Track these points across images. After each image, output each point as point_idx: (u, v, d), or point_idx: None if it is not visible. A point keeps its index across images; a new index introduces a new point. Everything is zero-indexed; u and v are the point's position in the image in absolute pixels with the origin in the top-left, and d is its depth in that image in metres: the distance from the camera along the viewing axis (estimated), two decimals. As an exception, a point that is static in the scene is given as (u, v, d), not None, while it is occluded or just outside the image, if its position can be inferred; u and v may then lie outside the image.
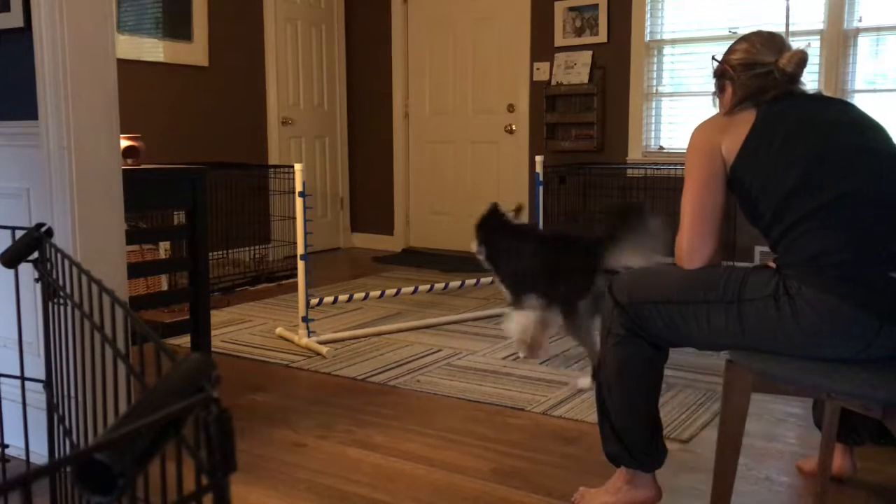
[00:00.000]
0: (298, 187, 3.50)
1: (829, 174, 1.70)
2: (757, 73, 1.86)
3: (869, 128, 1.80)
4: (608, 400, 1.93)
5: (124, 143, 2.74)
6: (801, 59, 1.85)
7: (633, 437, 1.90)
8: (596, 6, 5.54)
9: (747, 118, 1.81)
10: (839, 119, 1.80)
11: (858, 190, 1.68)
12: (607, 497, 1.98)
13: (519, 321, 3.14)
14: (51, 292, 1.49)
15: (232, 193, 5.35)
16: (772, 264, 1.80)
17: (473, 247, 3.43)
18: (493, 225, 3.39)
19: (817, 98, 1.88)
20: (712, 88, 2.01)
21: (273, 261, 5.67)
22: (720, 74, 1.96)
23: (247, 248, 5.50)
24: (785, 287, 1.66)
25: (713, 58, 2.01)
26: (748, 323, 1.70)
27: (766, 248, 4.84)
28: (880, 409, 1.63)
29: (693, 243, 1.83)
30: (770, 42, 1.89)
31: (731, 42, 1.98)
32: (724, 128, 1.83)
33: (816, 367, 1.67)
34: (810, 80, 4.87)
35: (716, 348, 1.83)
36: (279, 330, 3.83)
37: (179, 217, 4.35)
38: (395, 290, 4.15)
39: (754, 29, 1.99)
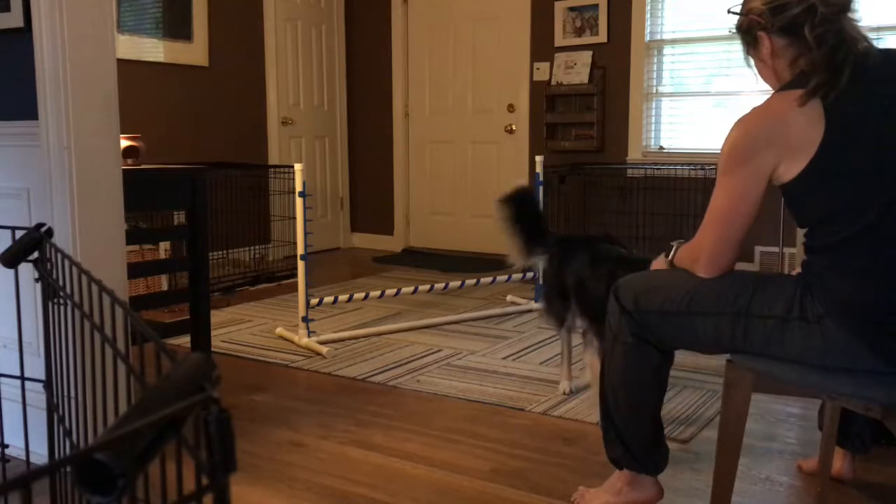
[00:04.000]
0: (298, 187, 3.50)
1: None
2: (794, 13, 1.56)
3: None
4: (613, 405, 1.90)
5: (124, 143, 2.74)
6: None
7: (637, 441, 1.89)
8: (596, 6, 5.54)
9: (811, 132, 1.51)
10: None
11: None
12: (609, 497, 1.97)
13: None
14: (51, 292, 1.49)
15: (232, 193, 5.35)
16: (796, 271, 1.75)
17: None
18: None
19: (889, 70, 1.57)
20: (739, 63, 1.75)
21: (273, 261, 5.67)
22: (747, 28, 1.66)
23: (247, 248, 5.50)
24: (802, 308, 1.60)
25: (729, 11, 1.71)
26: (753, 338, 1.67)
27: (767, 248, 4.84)
28: (881, 410, 1.63)
29: (716, 254, 1.68)
30: None
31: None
32: (779, 140, 1.54)
33: (817, 368, 1.66)
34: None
35: (722, 352, 1.79)
36: (279, 330, 3.83)
37: (179, 217, 4.35)
38: (395, 290, 4.15)
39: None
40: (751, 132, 1.58)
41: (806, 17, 1.55)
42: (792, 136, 1.53)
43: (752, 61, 1.72)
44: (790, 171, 1.55)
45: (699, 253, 1.72)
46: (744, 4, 1.68)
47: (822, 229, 1.60)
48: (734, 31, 1.73)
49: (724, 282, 1.72)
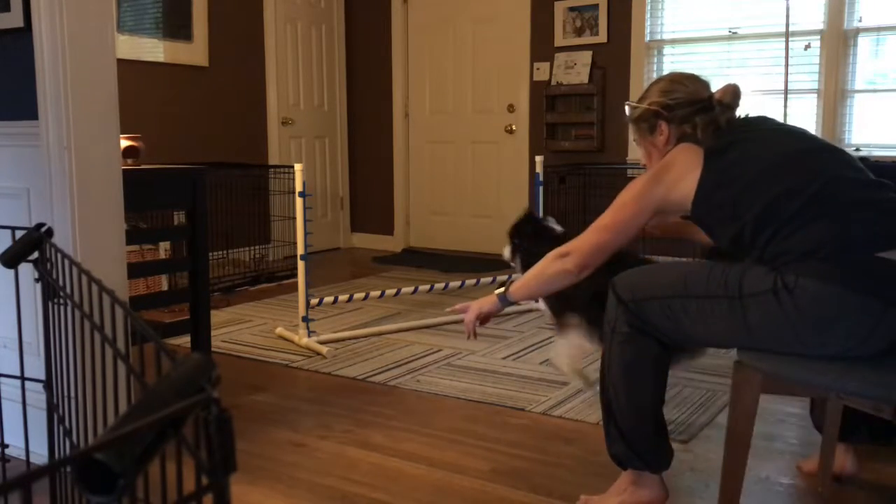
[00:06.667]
0: (298, 187, 3.50)
1: (801, 175, 1.73)
2: (698, 108, 1.93)
3: (801, 132, 1.90)
4: (614, 400, 1.91)
5: (124, 143, 2.74)
6: (736, 90, 1.97)
7: (639, 436, 1.89)
8: (596, 6, 5.54)
9: (693, 160, 1.83)
10: (780, 129, 1.89)
11: (833, 181, 1.71)
12: (614, 499, 1.97)
13: (569, 352, 2.83)
14: (51, 292, 1.49)
15: (232, 193, 5.35)
16: None
17: (505, 253, 3.16)
18: (528, 231, 3.05)
19: (745, 118, 1.95)
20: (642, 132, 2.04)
21: (273, 261, 5.67)
22: (648, 117, 1.99)
23: (247, 248, 5.50)
24: (783, 281, 1.65)
25: (626, 103, 2.07)
26: (752, 319, 1.68)
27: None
28: (891, 410, 1.62)
29: (590, 256, 1.91)
30: (692, 79, 1.99)
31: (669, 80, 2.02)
32: (671, 181, 1.85)
33: (826, 367, 1.66)
34: (810, 81, 4.87)
35: (720, 345, 1.80)
36: (279, 330, 3.83)
37: (179, 217, 4.35)
38: (395, 290, 4.15)
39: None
40: (650, 184, 1.88)
41: (702, 112, 1.92)
42: (677, 171, 1.85)
43: (644, 144, 2.04)
44: (687, 195, 1.82)
45: (574, 249, 1.93)
46: (642, 98, 2.02)
47: (742, 220, 1.75)
48: (630, 120, 2.06)
49: (714, 267, 1.78)
